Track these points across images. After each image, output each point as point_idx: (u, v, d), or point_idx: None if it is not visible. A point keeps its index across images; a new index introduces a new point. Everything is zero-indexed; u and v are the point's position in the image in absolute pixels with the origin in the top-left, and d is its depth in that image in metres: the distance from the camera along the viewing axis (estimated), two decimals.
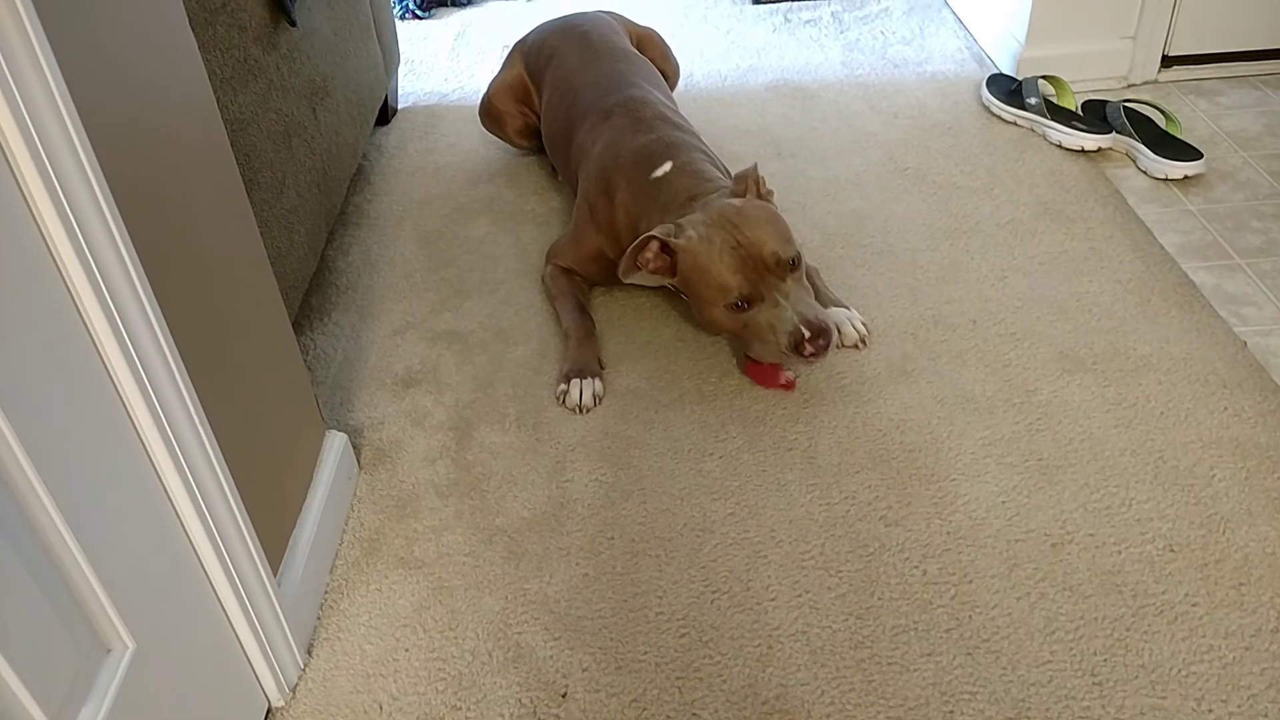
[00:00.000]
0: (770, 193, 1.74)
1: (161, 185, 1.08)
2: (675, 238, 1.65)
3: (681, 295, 1.76)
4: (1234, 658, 1.26)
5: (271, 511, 1.30)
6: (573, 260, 1.94)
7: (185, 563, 1.10)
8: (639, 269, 1.69)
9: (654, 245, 1.66)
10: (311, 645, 1.35)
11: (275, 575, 1.29)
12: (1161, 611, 1.31)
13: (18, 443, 0.82)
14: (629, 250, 1.68)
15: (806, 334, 1.57)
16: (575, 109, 2.05)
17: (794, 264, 1.63)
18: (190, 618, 1.09)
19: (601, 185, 1.87)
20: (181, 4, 1.14)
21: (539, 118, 2.28)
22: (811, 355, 1.59)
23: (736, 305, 1.62)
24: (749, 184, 1.71)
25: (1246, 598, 1.32)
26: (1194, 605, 1.32)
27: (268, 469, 1.30)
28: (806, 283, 1.68)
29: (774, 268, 1.61)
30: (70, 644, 0.90)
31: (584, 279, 1.96)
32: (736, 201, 1.68)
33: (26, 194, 0.86)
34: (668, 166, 1.81)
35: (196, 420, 1.07)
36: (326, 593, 1.42)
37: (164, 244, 1.07)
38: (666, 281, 1.72)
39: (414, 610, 1.39)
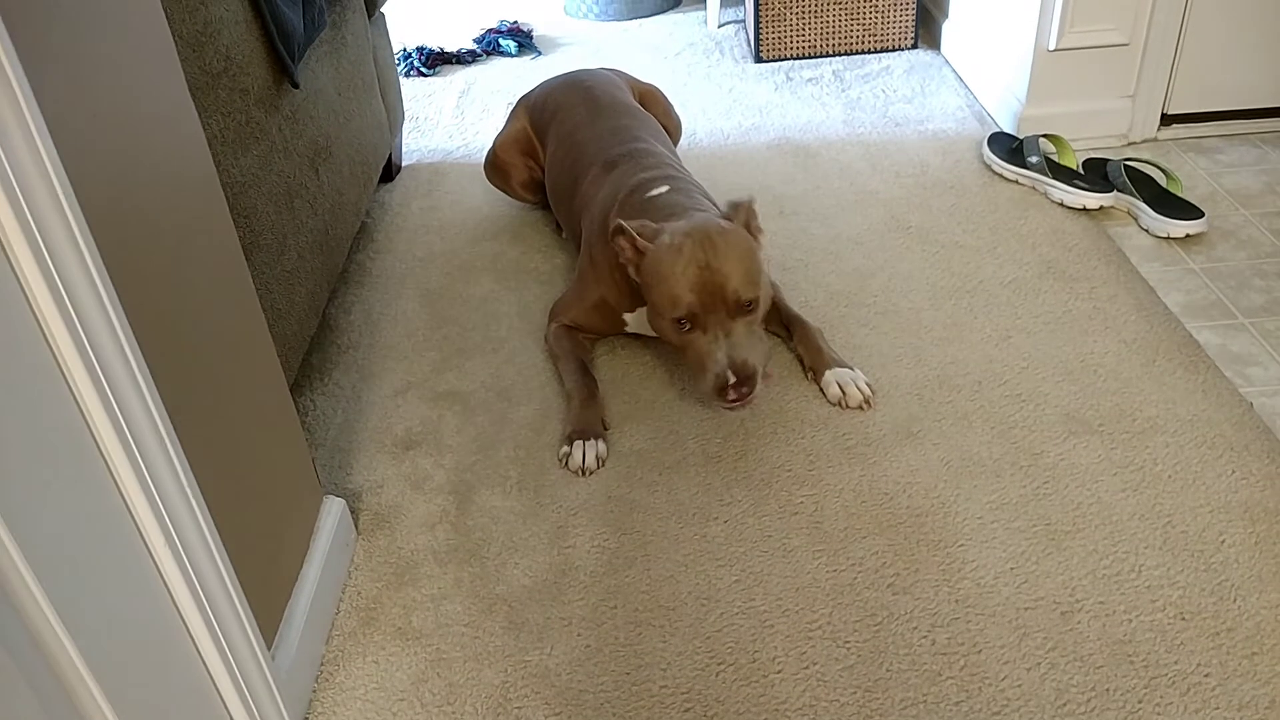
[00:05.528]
0: (760, 230, 1.75)
1: (156, 251, 1.07)
2: (650, 239, 1.68)
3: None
4: None
5: (266, 582, 1.28)
6: (576, 315, 1.93)
7: (176, 639, 1.07)
8: (616, 256, 1.74)
9: (625, 237, 1.70)
10: None
11: (270, 648, 1.26)
12: (1174, 682, 1.29)
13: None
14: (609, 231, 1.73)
15: (731, 379, 1.58)
16: (580, 162, 2.06)
17: (750, 307, 1.64)
18: (181, 698, 1.07)
19: (603, 228, 1.88)
20: (180, 71, 1.14)
21: (543, 171, 2.28)
22: (733, 402, 1.61)
23: (679, 322, 1.64)
24: (743, 213, 1.72)
25: (1260, 667, 1.30)
26: (1206, 676, 1.29)
27: (263, 537, 1.28)
28: (759, 329, 1.68)
29: (729, 304, 1.62)
30: None
31: (589, 335, 1.95)
32: (724, 223, 1.69)
33: (12, 259, 0.84)
34: (664, 188, 1.84)
35: (188, 489, 1.05)
36: (322, 665, 1.39)
37: (156, 310, 1.05)
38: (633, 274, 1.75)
39: (412, 683, 1.36)
